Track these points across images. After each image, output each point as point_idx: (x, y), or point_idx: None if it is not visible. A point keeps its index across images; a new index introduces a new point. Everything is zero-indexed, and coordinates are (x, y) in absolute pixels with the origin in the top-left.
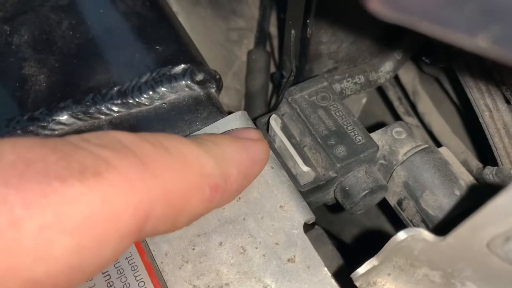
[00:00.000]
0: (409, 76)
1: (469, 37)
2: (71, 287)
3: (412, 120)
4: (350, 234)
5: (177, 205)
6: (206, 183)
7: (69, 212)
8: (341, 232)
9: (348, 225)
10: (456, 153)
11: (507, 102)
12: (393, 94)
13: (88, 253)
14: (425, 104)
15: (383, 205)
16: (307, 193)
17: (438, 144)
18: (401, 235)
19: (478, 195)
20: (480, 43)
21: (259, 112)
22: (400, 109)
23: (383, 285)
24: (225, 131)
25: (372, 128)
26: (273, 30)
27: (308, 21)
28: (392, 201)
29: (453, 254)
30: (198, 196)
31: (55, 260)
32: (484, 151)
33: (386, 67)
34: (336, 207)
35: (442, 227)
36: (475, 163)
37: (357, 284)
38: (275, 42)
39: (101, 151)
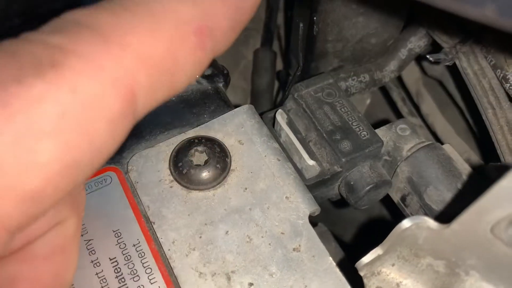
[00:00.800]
0: (413, 78)
1: (477, 8)
2: (76, 184)
3: (415, 121)
4: (352, 235)
5: (164, 66)
6: (188, 29)
7: (39, 114)
8: (344, 233)
9: (351, 227)
10: (459, 153)
11: (510, 100)
12: (397, 95)
13: (79, 149)
14: (428, 105)
15: (386, 205)
16: (312, 187)
17: (442, 144)
18: (406, 223)
19: (481, 191)
20: (487, 13)
21: (264, 109)
22: (404, 110)
23: (388, 275)
24: None
25: (376, 127)
26: (279, 30)
27: (315, 18)
28: (396, 197)
29: (458, 242)
30: (184, 46)
31: (45, 166)
32: (486, 152)
33: (391, 67)
34: (340, 205)
35: (445, 222)
36: (477, 162)
37: (361, 273)
38: (281, 42)
39: (54, 38)
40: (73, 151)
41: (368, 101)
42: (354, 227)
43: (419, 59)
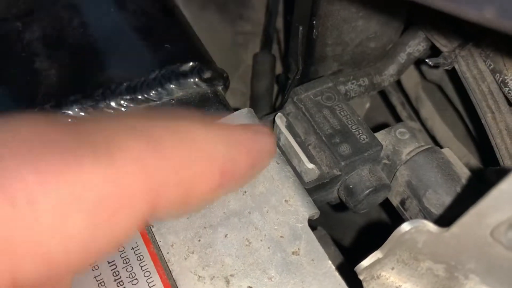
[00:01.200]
0: (412, 82)
1: (476, 10)
2: (82, 265)
3: (415, 125)
4: (351, 239)
5: (188, 188)
6: (216, 166)
7: (83, 191)
8: (343, 237)
9: (350, 230)
10: (458, 157)
11: (509, 104)
12: (396, 99)
13: (101, 232)
14: (427, 110)
15: (386, 209)
16: (311, 191)
17: (441, 148)
18: (405, 226)
19: (480, 195)
20: (487, 14)
21: (263, 113)
22: (403, 114)
23: (387, 278)
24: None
25: (375, 131)
26: (278, 34)
27: (314, 22)
28: (395, 201)
29: (457, 245)
30: (208, 179)
31: (70, 237)
32: (485, 156)
33: (390, 71)
34: (339, 208)
35: (445, 226)
36: (477, 166)
37: (360, 277)
38: (281, 46)
39: (113, 133)
40: (96, 232)
41: (367, 105)
42: (353, 231)
43: (418, 63)
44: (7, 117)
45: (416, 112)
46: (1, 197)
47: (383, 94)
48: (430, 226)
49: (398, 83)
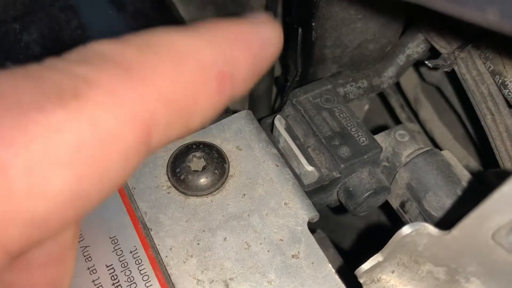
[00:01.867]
0: (411, 84)
1: (479, 11)
2: (82, 214)
3: (414, 127)
4: (351, 242)
5: (183, 107)
6: (209, 73)
7: (57, 143)
8: (343, 240)
9: (349, 233)
10: (457, 159)
11: (509, 106)
12: (395, 101)
13: (90, 181)
14: (426, 112)
15: (385, 211)
16: (311, 193)
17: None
18: (406, 229)
19: (480, 197)
20: (489, 17)
21: (262, 115)
22: (402, 116)
23: (387, 282)
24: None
25: (374, 133)
26: None
27: (313, 24)
28: (395, 204)
29: (458, 248)
30: (205, 90)
31: (54, 194)
32: (485, 158)
33: (389, 73)
34: (338, 211)
35: (445, 228)
36: (476, 168)
37: (361, 280)
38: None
39: (78, 69)
40: (84, 182)
41: (366, 107)
42: (352, 234)
43: (417, 65)
44: None
45: (415, 114)
46: None
47: (382, 96)
48: (431, 229)
49: (397, 85)
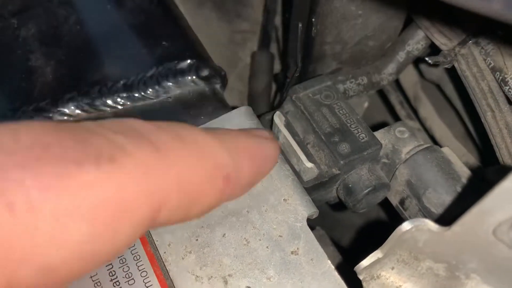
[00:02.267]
0: (410, 81)
1: (484, 2)
2: (83, 274)
3: (414, 124)
4: (349, 239)
5: (191, 196)
6: (220, 173)
7: (84, 198)
8: (341, 238)
9: (348, 231)
10: (457, 156)
11: (509, 102)
12: (395, 99)
13: (101, 240)
14: (426, 109)
15: (384, 209)
16: (310, 190)
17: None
18: (406, 225)
19: (480, 194)
20: (494, 6)
21: (261, 112)
22: (402, 113)
23: (387, 278)
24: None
25: (374, 130)
26: (277, 33)
27: (313, 20)
28: (394, 201)
29: (459, 244)
30: (212, 186)
31: (70, 246)
32: (484, 156)
33: (389, 69)
34: (337, 209)
35: (445, 225)
36: (476, 165)
37: (360, 277)
38: (279, 45)
39: (117, 137)
40: (97, 240)
41: (366, 104)
42: (351, 232)
43: (417, 62)
44: (7, 123)
45: (415, 112)
46: (1, 203)
47: (382, 94)
48: (431, 225)
49: (397, 83)
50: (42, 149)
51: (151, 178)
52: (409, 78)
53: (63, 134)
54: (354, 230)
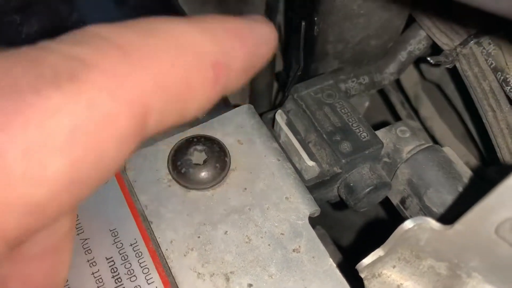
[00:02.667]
0: (411, 81)
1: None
2: (75, 204)
3: (414, 124)
4: (349, 240)
5: (179, 94)
6: (206, 61)
7: (53, 127)
8: (340, 238)
9: (347, 231)
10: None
11: (511, 102)
12: (395, 98)
13: (86, 165)
14: (427, 109)
15: (384, 209)
16: (311, 188)
17: None
18: (408, 223)
19: (482, 193)
20: (502, 4)
21: (263, 110)
22: (403, 113)
23: (388, 277)
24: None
25: (375, 129)
26: (279, 32)
27: (315, 19)
28: (395, 200)
29: (461, 243)
30: (200, 78)
31: (51, 179)
32: (485, 157)
33: (390, 69)
34: (336, 209)
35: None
36: (476, 165)
37: (362, 275)
38: (280, 44)
39: (76, 50)
40: (80, 167)
41: (367, 104)
42: (350, 232)
43: (418, 62)
44: None
45: (416, 112)
46: None
47: (383, 93)
48: (433, 223)
49: (397, 83)
50: None
51: (123, 87)
52: (410, 78)
53: (12, 61)
54: (353, 230)
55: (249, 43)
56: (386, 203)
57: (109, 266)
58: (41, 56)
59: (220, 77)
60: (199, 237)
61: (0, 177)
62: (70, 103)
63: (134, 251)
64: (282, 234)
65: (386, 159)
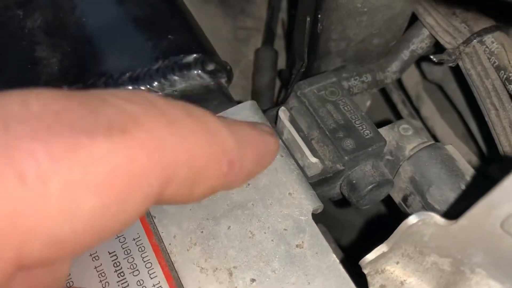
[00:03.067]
0: (412, 81)
1: None
2: (91, 246)
3: (416, 123)
4: (349, 239)
5: (198, 173)
6: (225, 157)
7: (96, 170)
8: (341, 237)
9: (348, 230)
10: None
11: None
12: (397, 97)
13: (111, 212)
14: (428, 109)
15: (386, 207)
16: (314, 185)
17: None
18: (412, 219)
19: (484, 191)
20: None
21: (265, 107)
22: (404, 112)
23: (391, 273)
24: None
25: (377, 127)
26: (281, 29)
27: (319, 16)
28: (397, 198)
29: (465, 238)
30: (216, 167)
31: (80, 217)
32: (486, 156)
33: (393, 67)
34: (337, 207)
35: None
36: (478, 164)
37: (365, 271)
38: (283, 41)
39: (129, 107)
40: (107, 212)
41: (368, 103)
42: (351, 232)
43: (419, 62)
44: (16, 91)
45: (417, 111)
46: (11, 172)
47: (384, 92)
48: (438, 218)
49: (399, 82)
50: (52, 118)
51: (162, 150)
52: (411, 78)
53: (74, 102)
54: (353, 230)
55: (259, 151)
56: (387, 201)
57: (112, 260)
58: (99, 105)
59: (230, 173)
60: (202, 232)
61: (38, 202)
62: (115, 152)
63: (137, 245)
64: (285, 229)
65: (388, 157)
